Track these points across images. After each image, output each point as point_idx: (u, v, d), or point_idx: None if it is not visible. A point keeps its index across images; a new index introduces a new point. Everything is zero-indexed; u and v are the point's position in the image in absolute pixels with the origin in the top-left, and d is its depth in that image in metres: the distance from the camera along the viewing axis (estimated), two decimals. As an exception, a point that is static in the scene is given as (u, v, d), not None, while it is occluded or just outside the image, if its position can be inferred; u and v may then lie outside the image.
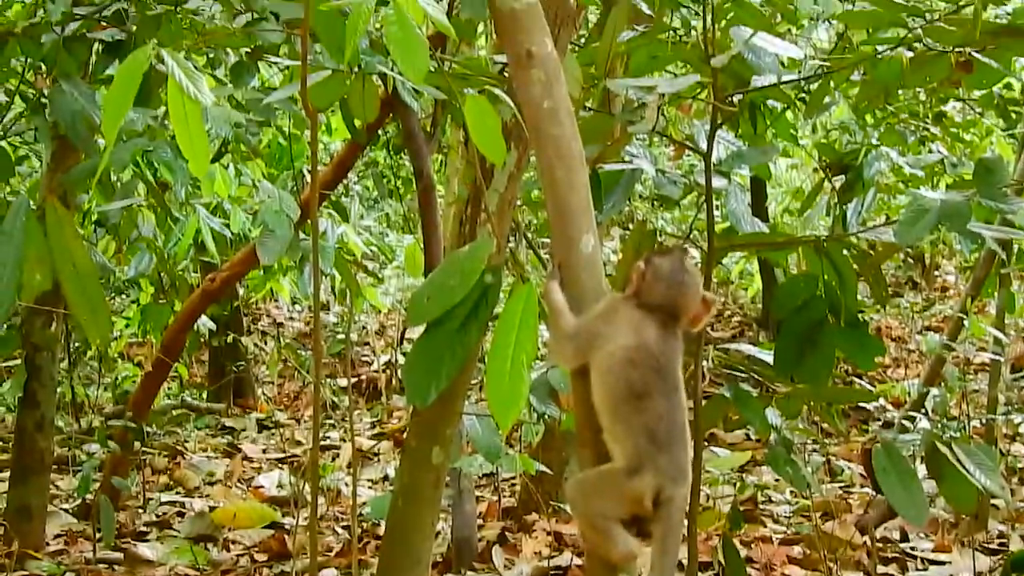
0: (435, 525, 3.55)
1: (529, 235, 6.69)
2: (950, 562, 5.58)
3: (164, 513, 6.56)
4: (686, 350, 2.30)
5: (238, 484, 7.25)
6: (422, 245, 5.04)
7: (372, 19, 2.25)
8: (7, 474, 5.82)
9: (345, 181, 8.30)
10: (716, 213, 3.46)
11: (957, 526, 5.91)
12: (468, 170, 3.69)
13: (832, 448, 7.28)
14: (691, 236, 3.93)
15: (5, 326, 5.34)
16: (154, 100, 4.50)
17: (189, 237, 5.88)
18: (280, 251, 5.00)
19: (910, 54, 3.58)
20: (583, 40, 5.03)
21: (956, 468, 3.32)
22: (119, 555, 5.73)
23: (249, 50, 4.83)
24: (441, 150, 8.59)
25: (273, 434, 8.36)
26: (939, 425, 5.72)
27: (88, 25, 4.56)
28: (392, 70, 3.56)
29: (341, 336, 9.66)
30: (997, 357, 6.03)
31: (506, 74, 3.30)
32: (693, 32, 5.00)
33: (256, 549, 5.92)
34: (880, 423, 7.71)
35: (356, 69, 3.53)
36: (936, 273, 12.52)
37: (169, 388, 8.92)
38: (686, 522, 2.55)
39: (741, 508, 5.41)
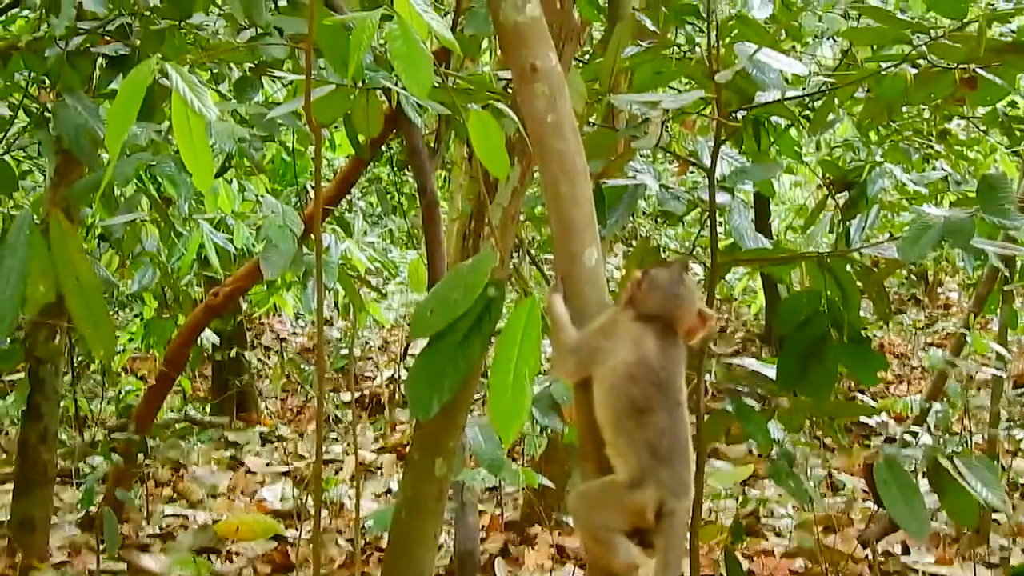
0: (438, 538, 3.55)
1: (532, 251, 6.71)
2: (952, 576, 5.60)
3: (167, 525, 6.56)
4: (689, 364, 2.30)
5: (241, 497, 7.25)
6: (426, 261, 5.04)
7: (376, 34, 2.26)
8: (11, 486, 5.82)
9: (349, 196, 8.33)
10: (720, 229, 3.46)
11: (959, 540, 5.92)
12: (472, 185, 3.70)
13: (834, 462, 7.28)
14: (694, 252, 3.93)
15: (9, 339, 5.34)
16: (158, 115, 4.52)
17: (193, 251, 5.91)
18: (283, 266, 5.01)
19: (914, 71, 3.59)
20: (587, 56, 5.04)
21: (958, 482, 3.32)
22: (122, 566, 5.74)
23: (253, 65, 4.85)
24: (445, 166, 8.62)
25: (276, 448, 8.36)
26: (941, 440, 5.73)
27: (92, 39, 4.58)
28: (396, 85, 3.56)
29: (344, 351, 9.67)
30: (999, 373, 6.03)
31: (510, 89, 3.31)
32: (697, 48, 5.02)
33: (259, 561, 5.93)
34: (882, 438, 7.72)
35: (360, 84, 3.55)
36: (939, 290, 12.53)
37: (172, 402, 8.93)
38: (688, 535, 2.55)
39: (743, 521, 5.43)
